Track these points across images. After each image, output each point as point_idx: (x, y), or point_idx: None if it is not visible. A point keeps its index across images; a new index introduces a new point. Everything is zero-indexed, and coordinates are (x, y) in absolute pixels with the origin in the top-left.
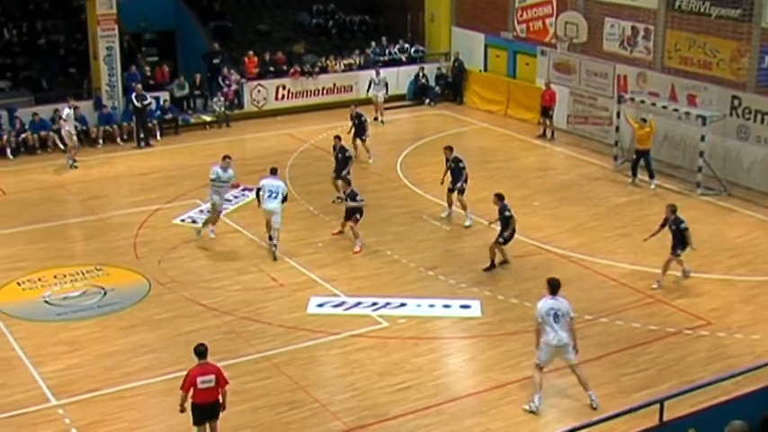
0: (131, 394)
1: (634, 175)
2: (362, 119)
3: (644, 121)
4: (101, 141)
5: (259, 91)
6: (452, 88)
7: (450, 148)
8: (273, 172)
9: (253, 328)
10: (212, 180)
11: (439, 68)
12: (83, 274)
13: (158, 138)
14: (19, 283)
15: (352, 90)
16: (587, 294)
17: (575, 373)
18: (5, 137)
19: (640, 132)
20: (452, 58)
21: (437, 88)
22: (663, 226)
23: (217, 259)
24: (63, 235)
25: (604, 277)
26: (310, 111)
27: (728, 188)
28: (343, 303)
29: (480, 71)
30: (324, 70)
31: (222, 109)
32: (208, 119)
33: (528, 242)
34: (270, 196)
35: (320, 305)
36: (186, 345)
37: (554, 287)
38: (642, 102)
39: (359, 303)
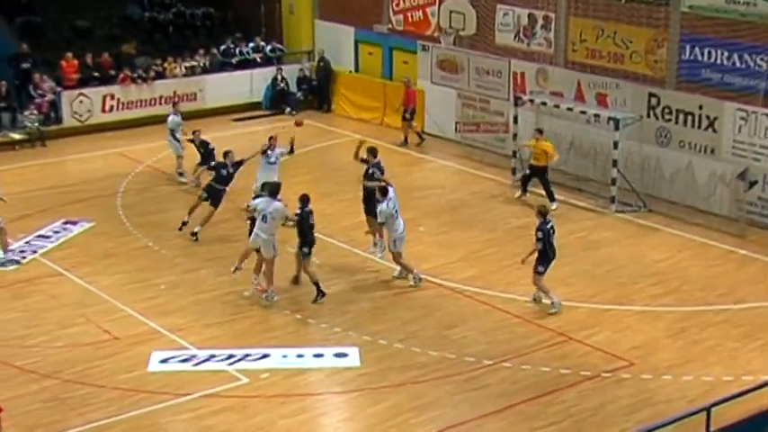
0: None
1: (524, 190)
2: (209, 147)
3: (540, 132)
4: None
5: (81, 101)
6: (317, 93)
7: (372, 152)
8: (273, 193)
9: (81, 393)
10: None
11: (301, 70)
12: None
13: None
14: None
15: (196, 98)
16: (487, 335)
17: None
18: None
19: (537, 147)
20: (316, 58)
21: (299, 94)
22: (539, 240)
23: (32, 310)
24: None
25: (506, 314)
26: (145, 125)
27: (648, 203)
28: (192, 357)
29: (350, 72)
30: (161, 75)
31: (35, 124)
32: (17, 137)
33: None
34: (263, 220)
35: (164, 361)
36: None
37: None
38: (543, 104)
39: (212, 357)
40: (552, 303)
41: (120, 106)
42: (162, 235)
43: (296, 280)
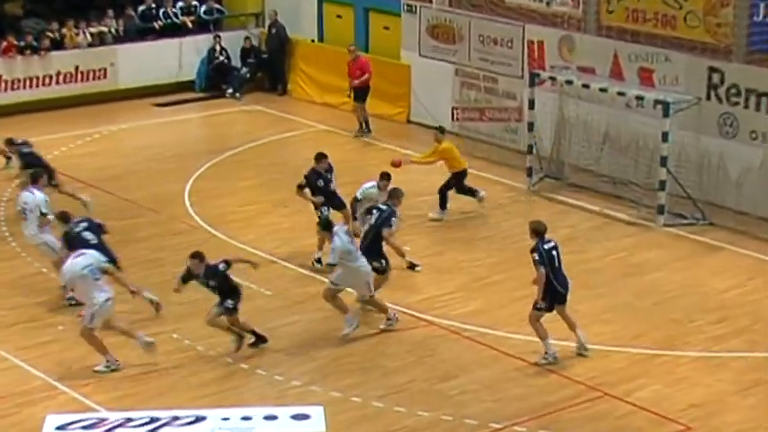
0: None
1: (472, 193)
2: (25, 150)
3: (441, 132)
4: None
5: None
6: (268, 70)
7: (321, 157)
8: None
9: None
10: None
11: (246, 39)
12: None
13: None
14: None
15: (105, 76)
16: (494, 390)
17: None
18: None
19: (439, 152)
20: (267, 22)
21: (244, 70)
22: (538, 263)
23: None
24: None
25: (518, 361)
26: (38, 110)
27: (708, 214)
28: (100, 422)
29: (312, 42)
30: (58, 45)
31: None
32: None
33: (398, 310)
34: None
35: (62, 428)
36: None
37: None
38: (568, 83)
39: (127, 420)
40: (545, 354)
41: (5, 86)
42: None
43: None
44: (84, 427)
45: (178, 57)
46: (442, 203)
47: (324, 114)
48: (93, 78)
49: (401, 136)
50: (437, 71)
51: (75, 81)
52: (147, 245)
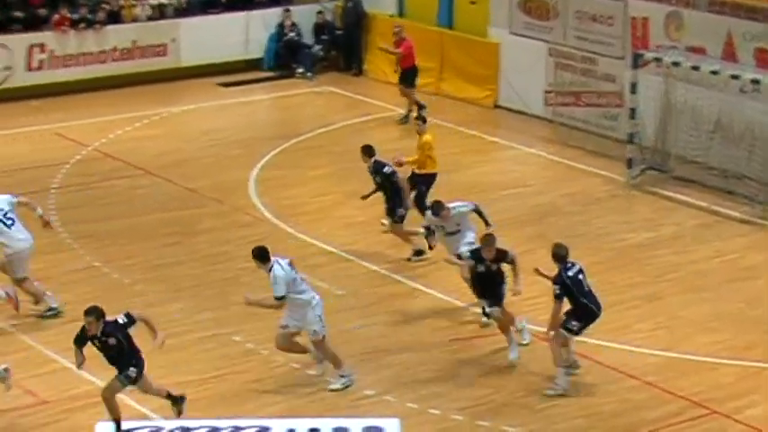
0: None
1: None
2: None
3: (423, 121)
4: None
5: None
6: (344, 48)
7: (368, 150)
8: None
9: None
10: None
11: (319, 13)
12: None
13: None
14: None
15: (166, 52)
16: (586, 404)
17: None
18: None
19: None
20: None
21: (317, 48)
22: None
23: None
24: None
25: (615, 373)
26: (93, 90)
27: None
28: (156, 431)
29: (392, 16)
30: (115, 18)
31: None
32: None
33: (479, 313)
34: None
35: None
36: None
37: None
38: (675, 64)
39: (184, 430)
40: (556, 383)
41: (55, 63)
42: (115, 251)
43: None
44: None
45: (245, 32)
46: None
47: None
48: (153, 55)
49: (487, 122)
50: (529, 51)
51: (133, 58)
52: (208, 238)
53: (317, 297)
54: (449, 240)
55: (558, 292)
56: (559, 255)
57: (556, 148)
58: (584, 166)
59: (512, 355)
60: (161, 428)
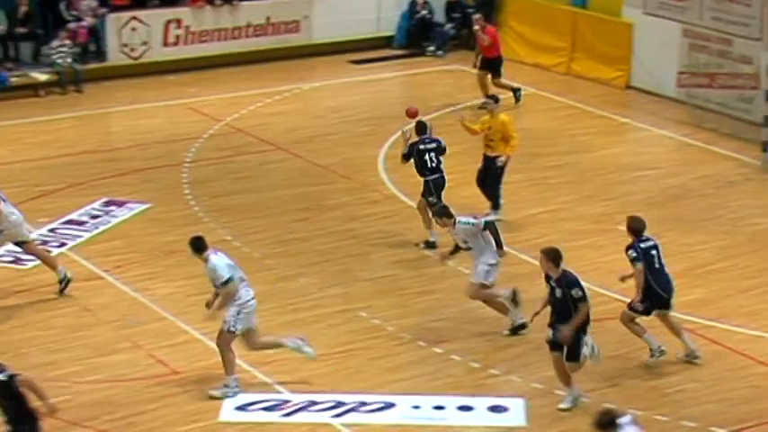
0: None
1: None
2: None
3: (495, 101)
4: None
5: (134, 29)
6: None
7: (422, 126)
8: None
9: None
10: None
11: None
12: None
13: None
14: None
15: (298, 29)
16: (716, 389)
17: None
18: None
19: (490, 125)
20: None
21: (448, 26)
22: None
23: (58, 328)
24: None
25: (747, 359)
26: (226, 66)
27: None
28: (282, 404)
29: None
30: None
31: (68, 61)
32: (42, 78)
33: (607, 294)
34: None
35: (242, 407)
36: None
37: None
38: None
39: (311, 404)
40: (651, 351)
41: (191, 38)
42: (246, 225)
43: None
44: (264, 409)
45: (377, 10)
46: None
47: (535, 76)
48: (285, 32)
49: (619, 103)
50: (663, 31)
51: (266, 34)
52: (337, 214)
53: (250, 294)
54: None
55: (633, 255)
56: (636, 228)
57: (689, 130)
58: (717, 149)
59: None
60: (288, 401)
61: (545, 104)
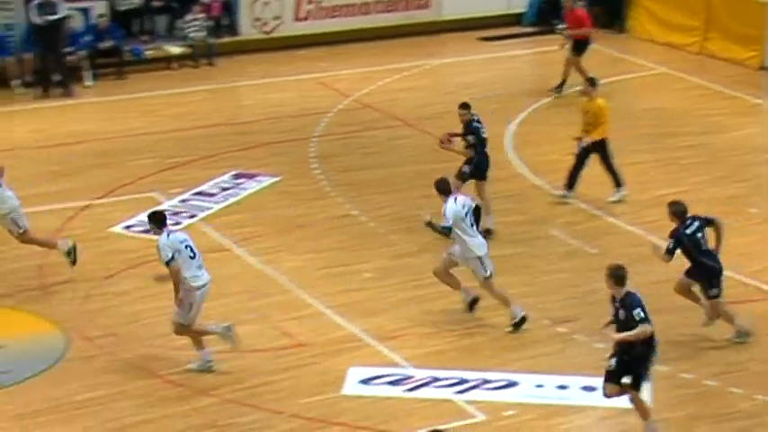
0: None
1: (570, 186)
2: None
3: (593, 84)
4: None
5: (266, 4)
6: (606, 4)
7: (465, 107)
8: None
9: (247, 420)
10: None
11: None
12: None
13: (87, 83)
14: None
15: (428, 5)
16: None
17: None
18: None
19: (590, 109)
20: None
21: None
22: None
23: None
24: None
25: None
26: (356, 41)
27: None
28: (406, 379)
29: None
30: None
31: (201, 34)
32: (176, 51)
33: (736, 279)
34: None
35: (366, 381)
36: None
37: None
38: None
39: (434, 380)
40: (737, 333)
41: (321, 13)
42: (372, 200)
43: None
44: (388, 383)
45: None
46: (617, 180)
47: (666, 56)
48: (415, 8)
49: (752, 83)
50: None
51: (396, 10)
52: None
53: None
54: None
55: (671, 246)
56: (678, 211)
57: None
58: None
59: None
60: (411, 377)
61: (677, 84)
